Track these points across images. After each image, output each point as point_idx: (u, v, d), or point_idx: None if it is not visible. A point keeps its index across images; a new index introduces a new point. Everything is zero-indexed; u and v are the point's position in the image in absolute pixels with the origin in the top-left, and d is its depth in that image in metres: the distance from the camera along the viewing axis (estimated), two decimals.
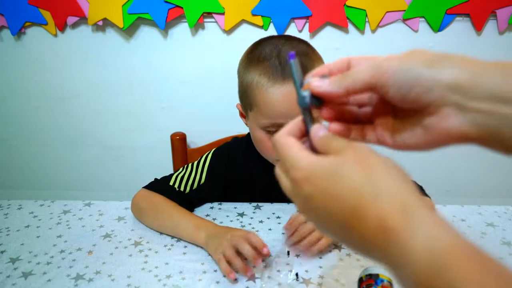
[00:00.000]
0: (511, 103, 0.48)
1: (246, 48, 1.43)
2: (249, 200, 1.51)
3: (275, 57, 1.28)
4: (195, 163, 1.51)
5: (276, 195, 1.49)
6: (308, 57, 1.28)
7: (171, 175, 1.49)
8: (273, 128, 1.29)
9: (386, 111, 0.61)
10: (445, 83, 0.51)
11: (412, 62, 0.53)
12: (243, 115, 1.42)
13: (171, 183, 1.46)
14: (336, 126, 0.62)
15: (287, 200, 1.48)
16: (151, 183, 1.49)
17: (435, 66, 0.52)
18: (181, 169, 1.51)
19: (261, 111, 1.28)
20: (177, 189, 1.45)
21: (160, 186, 1.46)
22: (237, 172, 1.50)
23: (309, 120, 0.61)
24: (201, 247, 1.26)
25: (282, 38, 1.36)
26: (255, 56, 1.32)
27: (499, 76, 0.49)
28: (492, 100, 0.49)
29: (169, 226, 1.32)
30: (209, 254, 1.22)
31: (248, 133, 1.51)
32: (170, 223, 1.33)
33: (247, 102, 1.34)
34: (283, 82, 1.24)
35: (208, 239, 1.23)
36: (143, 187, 1.47)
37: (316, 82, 0.59)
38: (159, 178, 1.51)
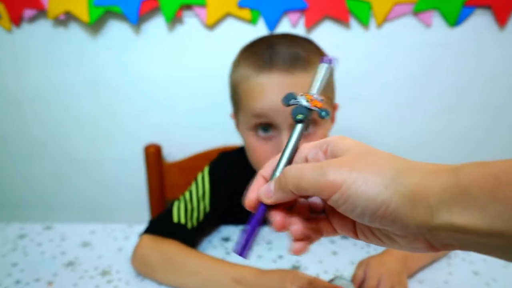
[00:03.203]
0: (472, 233, 0.52)
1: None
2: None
3: (267, 48, 1.36)
4: (193, 189, 1.50)
5: None
6: (305, 61, 1.33)
7: (170, 209, 1.45)
8: (262, 130, 1.33)
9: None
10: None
11: (363, 182, 0.56)
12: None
13: (175, 220, 1.42)
14: (297, 227, 0.66)
15: None
16: (151, 225, 1.42)
17: (390, 195, 0.55)
18: (177, 201, 1.48)
19: (247, 107, 1.34)
20: (185, 226, 1.42)
21: (165, 227, 1.41)
22: (236, 192, 1.53)
23: (293, 142, 0.66)
24: None
25: (281, 35, 1.42)
26: (247, 52, 1.41)
27: (451, 208, 0.53)
28: (448, 230, 0.54)
29: (197, 284, 1.25)
30: None
31: (242, 147, 1.54)
32: (197, 280, 1.25)
33: (236, 105, 1.38)
34: (270, 70, 1.30)
35: None
36: (144, 233, 1.39)
37: (265, 189, 0.67)
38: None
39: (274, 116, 1.30)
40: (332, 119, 1.46)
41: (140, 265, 1.32)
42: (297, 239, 0.65)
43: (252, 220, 0.67)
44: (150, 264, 1.30)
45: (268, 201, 0.65)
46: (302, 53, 1.35)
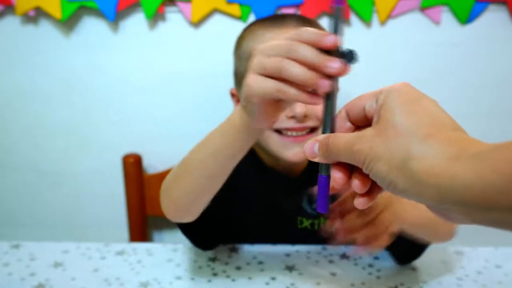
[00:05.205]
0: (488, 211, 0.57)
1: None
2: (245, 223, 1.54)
3: (276, 15, 1.58)
4: None
5: (279, 217, 1.52)
6: (317, 25, 1.52)
7: None
8: None
9: None
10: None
11: (376, 162, 0.65)
12: (238, 100, 1.49)
13: None
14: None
15: (285, 235, 1.52)
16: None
17: (397, 177, 0.63)
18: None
19: None
20: None
21: None
22: (241, 190, 1.53)
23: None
24: None
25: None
26: (253, 22, 1.58)
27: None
28: (461, 209, 0.59)
29: (210, 151, 1.19)
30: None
31: None
32: (205, 147, 1.22)
33: (242, 74, 1.41)
34: (281, 25, 1.43)
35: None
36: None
37: (309, 144, 0.75)
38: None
39: None
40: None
41: (165, 201, 1.31)
42: (360, 195, 0.73)
43: (319, 176, 0.76)
44: (172, 178, 1.29)
45: (314, 160, 0.75)
46: (313, 20, 1.53)
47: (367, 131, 0.68)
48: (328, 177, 0.76)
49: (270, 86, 0.88)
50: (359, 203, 0.73)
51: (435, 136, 0.61)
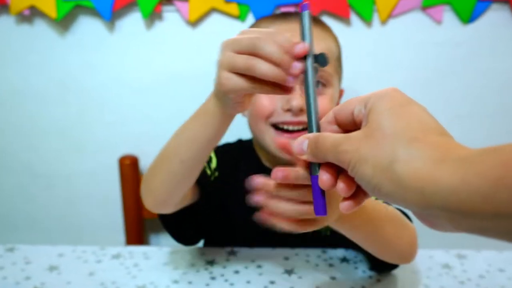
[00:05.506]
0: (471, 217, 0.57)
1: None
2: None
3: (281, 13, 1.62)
4: None
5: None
6: (321, 23, 1.57)
7: None
8: None
9: None
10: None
11: (362, 165, 0.66)
12: None
13: None
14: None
15: (279, 240, 1.51)
16: None
17: (382, 180, 0.64)
18: None
19: None
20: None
21: None
22: (240, 185, 1.53)
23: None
24: None
25: None
26: (258, 20, 1.62)
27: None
28: (444, 215, 0.60)
29: (185, 137, 1.23)
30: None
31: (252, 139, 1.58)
32: (180, 135, 1.26)
33: None
34: (285, 19, 1.49)
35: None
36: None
37: (298, 141, 0.77)
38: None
39: None
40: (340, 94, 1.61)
41: (146, 186, 1.34)
42: (344, 198, 0.74)
43: (312, 177, 0.78)
44: (149, 172, 1.34)
45: (302, 157, 0.77)
46: (317, 18, 1.57)
47: (355, 133, 0.69)
48: None
49: (244, 84, 0.93)
50: (344, 206, 0.74)
51: (421, 140, 0.62)
